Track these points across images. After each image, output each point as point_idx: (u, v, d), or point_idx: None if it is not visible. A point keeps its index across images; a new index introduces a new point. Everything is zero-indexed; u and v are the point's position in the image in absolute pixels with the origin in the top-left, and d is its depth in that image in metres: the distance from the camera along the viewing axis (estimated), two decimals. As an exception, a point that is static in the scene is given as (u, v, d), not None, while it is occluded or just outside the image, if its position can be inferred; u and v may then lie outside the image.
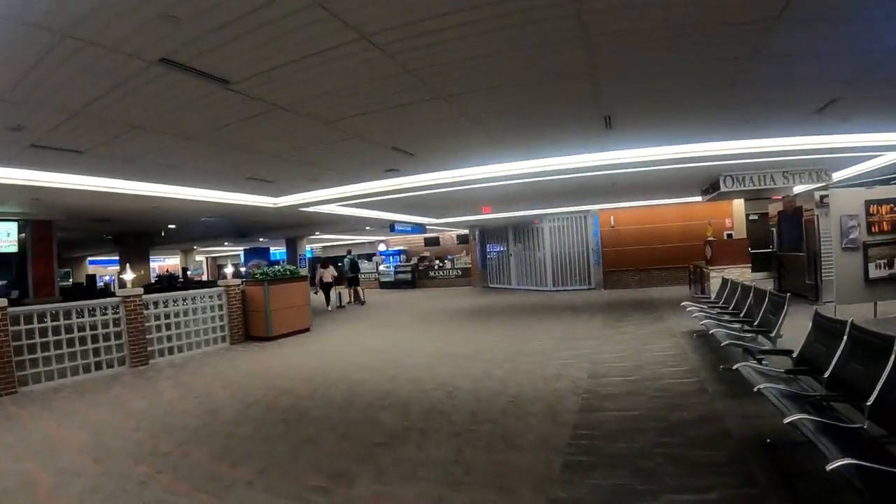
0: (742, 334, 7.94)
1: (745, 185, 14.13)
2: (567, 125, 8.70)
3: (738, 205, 21.83)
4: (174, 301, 12.49)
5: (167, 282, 27.59)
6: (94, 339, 10.67)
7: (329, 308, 21.28)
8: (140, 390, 9.12)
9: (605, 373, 8.33)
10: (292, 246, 29.76)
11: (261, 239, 30.74)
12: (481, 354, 10.36)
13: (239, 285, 13.83)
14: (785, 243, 18.28)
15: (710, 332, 8.33)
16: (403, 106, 7.18)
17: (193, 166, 9.87)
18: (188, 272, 34.96)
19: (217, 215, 17.16)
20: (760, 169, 13.69)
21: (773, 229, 18.73)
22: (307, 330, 14.97)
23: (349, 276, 24.05)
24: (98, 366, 10.63)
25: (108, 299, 11.36)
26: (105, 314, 10.99)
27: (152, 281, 24.89)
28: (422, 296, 26.56)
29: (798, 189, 16.53)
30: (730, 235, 20.71)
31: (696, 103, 7.78)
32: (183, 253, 40.45)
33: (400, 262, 35.10)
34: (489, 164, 11.65)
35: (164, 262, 51.21)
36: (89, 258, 39.59)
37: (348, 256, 24.61)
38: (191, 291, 13.23)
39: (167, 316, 12.22)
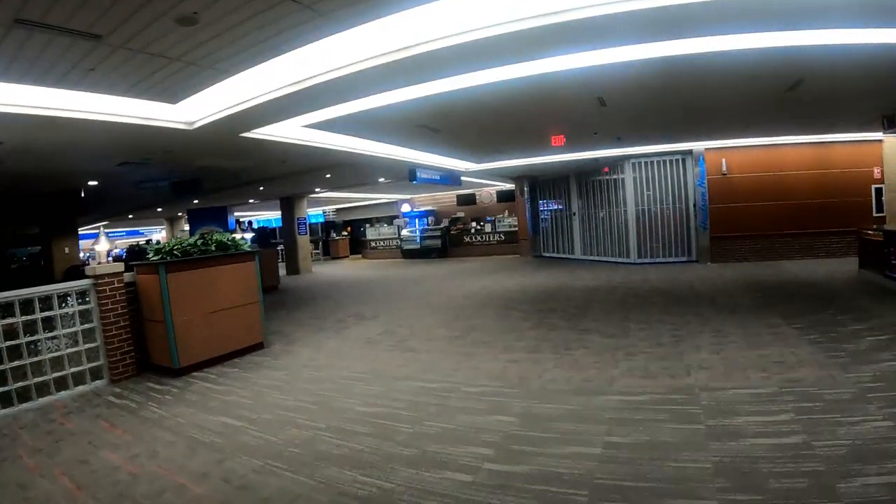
0: None
1: None
2: None
3: (891, 148, 15.15)
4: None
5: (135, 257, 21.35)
6: None
7: None
8: None
9: None
10: (287, 207, 23.29)
11: (251, 201, 24.27)
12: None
13: (119, 276, 7.37)
14: None
15: None
16: None
17: None
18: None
19: (134, 159, 10.69)
20: None
21: None
22: (259, 347, 8.53)
23: None
24: None
25: None
26: None
27: (83, 262, 18.27)
28: (455, 269, 19.81)
29: None
30: (879, 190, 15.13)
31: None
32: (168, 223, 34.16)
33: (427, 224, 28.54)
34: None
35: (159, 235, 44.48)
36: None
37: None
38: (24, 291, 6.76)
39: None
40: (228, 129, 8.48)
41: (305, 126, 9.31)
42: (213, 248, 7.86)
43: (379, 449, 4.51)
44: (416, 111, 8.61)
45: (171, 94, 6.91)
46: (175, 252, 7.44)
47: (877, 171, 15.65)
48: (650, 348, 7.10)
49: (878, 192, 15.55)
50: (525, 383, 5.96)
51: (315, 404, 5.77)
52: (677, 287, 12.10)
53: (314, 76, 6.32)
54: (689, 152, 16.39)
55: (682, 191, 16.88)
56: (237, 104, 7.35)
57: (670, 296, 11.06)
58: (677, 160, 16.79)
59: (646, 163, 17.16)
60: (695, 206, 16.57)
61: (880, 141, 15.27)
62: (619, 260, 18.00)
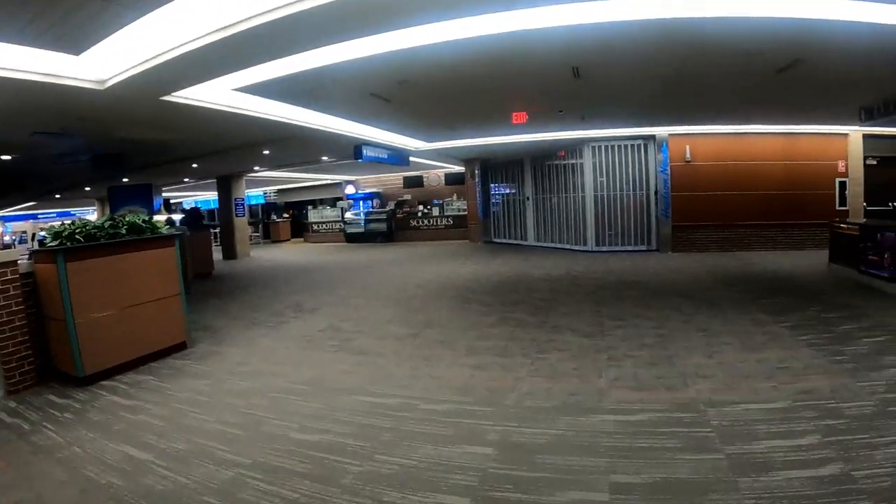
0: None
1: None
2: None
3: (855, 143, 15.36)
4: None
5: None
6: None
7: None
8: None
9: None
10: (224, 187, 21.80)
11: (186, 180, 22.59)
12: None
13: (13, 265, 6.07)
14: None
15: None
16: None
17: None
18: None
19: (46, 127, 9.25)
20: None
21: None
22: (181, 347, 7.29)
23: None
24: None
25: None
26: None
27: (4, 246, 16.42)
28: (403, 255, 18.69)
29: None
30: (843, 184, 15.51)
31: None
32: (100, 203, 31.87)
33: (372, 207, 27.43)
34: None
35: (91, 216, 41.15)
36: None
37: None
38: None
39: None
40: (146, 91, 7.17)
41: (238, 90, 8.01)
42: (125, 232, 6.63)
43: (319, 499, 3.47)
44: (366, 75, 7.45)
45: (73, 40, 5.57)
46: (77, 236, 6.19)
47: (841, 165, 15.48)
48: (635, 351, 6.23)
49: (843, 185, 15.44)
50: (497, 397, 4.97)
51: (241, 428, 4.65)
52: (645, 278, 11.36)
53: (244, 19, 5.10)
54: (653, 138, 15.69)
55: (644, 177, 16.20)
56: (153, 57, 6.07)
57: (641, 288, 10.29)
58: (639, 145, 16.08)
59: (606, 147, 16.35)
60: (656, 193, 15.92)
61: (846, 135, 15.24)
62: (576, 247, 17.23)
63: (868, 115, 10.95)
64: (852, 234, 10.70)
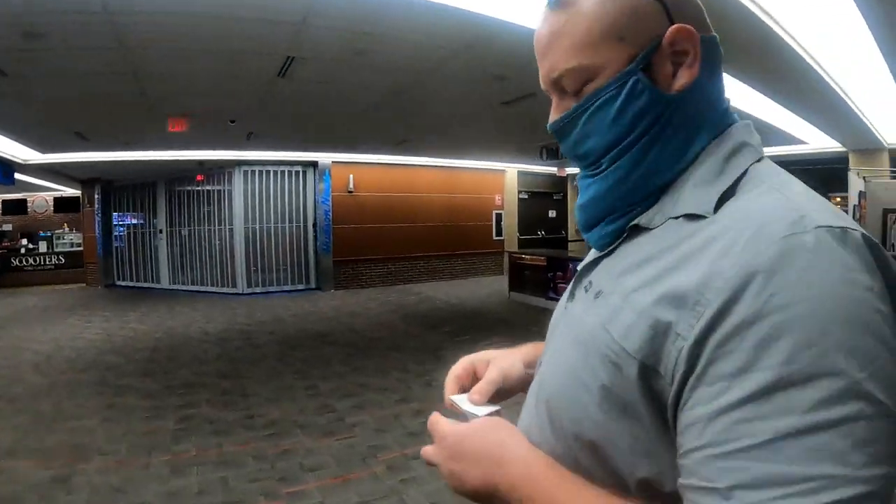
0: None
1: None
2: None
3: (511, 178, 17.09)
4: None
5: None
6: None
7: None
8: None
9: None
10: None
11: None
12: None
13: None
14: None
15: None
16: None
17: None
18: None
19: None
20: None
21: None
22: None
23: None
24: None
25: None
26: None
27: None
28: (5, 311, 12.95)
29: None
30: (499, 215, 16.99)
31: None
32: None
33: (-37, 242, 20.84)
34: None
35: None
36: None
37: None
38: None
39: None
40: None
41: None
42: None
43: None
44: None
45: None
46: None
47: (498, 199, 16.72)
48: (413, 445, 4.47)
49: (499, 217, 16.70)
50: None
51: None
52: (331, 327, 9.74)
53: None
54: (315, 164, 14.26)
55: (302, 208, 14.70)
56: None
57: (336, 342, 8.56)
58: (297, 172, 14.53)
59: (261, 172, 14.33)
60: (315, 225, 14.48)
61: (503, 171, 16.63)
62: (224, 290, 14.73)
63: (550, 154, 11.63)
64: (538, 265, 11.36)
